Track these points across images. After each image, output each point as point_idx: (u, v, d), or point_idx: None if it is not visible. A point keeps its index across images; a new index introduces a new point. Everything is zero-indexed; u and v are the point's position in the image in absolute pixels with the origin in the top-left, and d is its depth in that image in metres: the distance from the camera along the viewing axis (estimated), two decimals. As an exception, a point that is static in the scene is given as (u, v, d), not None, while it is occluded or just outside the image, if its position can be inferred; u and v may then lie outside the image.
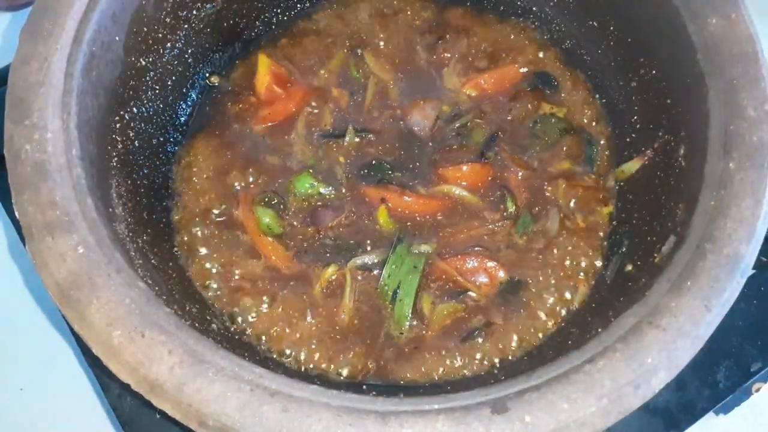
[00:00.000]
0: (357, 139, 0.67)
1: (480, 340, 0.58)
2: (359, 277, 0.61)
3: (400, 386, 0.57)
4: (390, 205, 0.63)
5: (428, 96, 0.70)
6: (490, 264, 0.61)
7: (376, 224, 0.63)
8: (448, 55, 0.72)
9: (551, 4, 0.71)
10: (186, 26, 0.66)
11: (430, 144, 0.68)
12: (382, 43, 0.73)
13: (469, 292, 0.60)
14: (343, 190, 0.65)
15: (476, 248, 0.62)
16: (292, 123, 0.68)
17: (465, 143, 0.67)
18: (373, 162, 0.66)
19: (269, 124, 0.68)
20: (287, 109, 0.69)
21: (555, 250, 0.62)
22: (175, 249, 0.62)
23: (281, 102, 0.69)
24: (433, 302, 0.60)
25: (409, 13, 0.75)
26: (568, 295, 0.60)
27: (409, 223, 0.63)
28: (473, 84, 0.70)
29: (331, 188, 0.65)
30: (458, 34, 0.73)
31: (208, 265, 0.61)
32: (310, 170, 0.65)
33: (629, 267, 0.56)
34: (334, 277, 0.61)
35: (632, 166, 0.63)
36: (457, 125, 0.68)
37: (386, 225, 0.63)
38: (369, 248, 0.62)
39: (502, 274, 0.61)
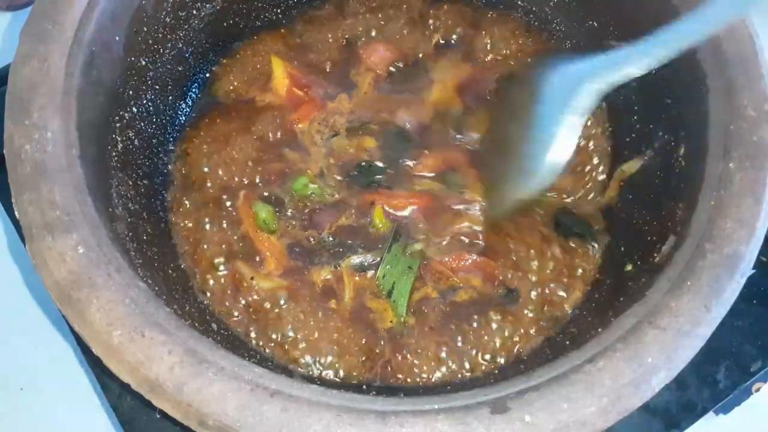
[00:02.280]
0: (349, 141, 0.67)
1: (478, 338, 0.58)
2: (356, 277, 0.61)
3: (399, 386, 0.56)
4: (383, 205, 0.64)
5: (420, 92, 0.70)
6: (490, 262, 0.61)
7: (373, 225, 0.63)
8: (446, 54, 0.72)
9: (551, 4, 0.71)
10: (186, 26, 0.66)
11: (421, 139, 0.68)
12: (380, 41, 0.73)
13: (465, 291, 0.60)
14: (337, 194, 0.65)
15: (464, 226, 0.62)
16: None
17: (453, 134, 0.68)
18: (363, 163, 0.66)
19: (302, 124, 0.68)
20: (313, 110, 0.69)
21: (552, 247, 0.62)
22: (175, 248, 0.62)
23: (307, 105, 0.69)
24: (429, 302, 0.60)
25: (405, 8, 0.75)
26: (565, 294, 0.60)
27: (405, 221, 0.63)
28: (465, 81, 0.71)
29: (327, 190, 0.65)
30: (456, 33, 0.73)
31: (207, 265, 0.61)
32: (309, 171, 0.66)
33: (629, 267, 0.56)
34: (330, 277, 0.61)
35: (632, 166, 0.63)
36: (446, 118, 0.69)
37: (383, 225, 0.63)
38: (367, 248, 0.62)
39: (497, 273, 0.61)
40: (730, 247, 0.45)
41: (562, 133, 0.51)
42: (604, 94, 0.50)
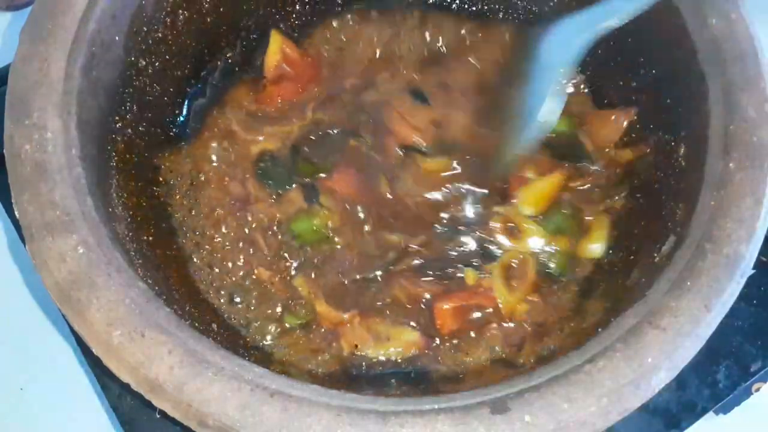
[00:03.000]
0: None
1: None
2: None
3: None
4: None
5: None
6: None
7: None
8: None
9: (551, 4, 0.71)
10: (186, 26, 0.66)
11: None
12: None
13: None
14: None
15: None
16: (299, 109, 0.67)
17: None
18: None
19: (276, 104, 0.67)
20: (295, 89, 0.68)
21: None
22: (176, 248, 0.62)
23: (290, 82, 0.68)
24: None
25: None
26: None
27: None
28: None
29: None
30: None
31: (208, 264, 0.61)
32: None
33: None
34: None
35: (626, 155, 0.63)
36: None
37: None
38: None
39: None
40: (730, 247, 0.45)
41: (554, 89, 0.54)
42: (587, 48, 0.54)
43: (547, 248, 0.61)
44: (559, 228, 0.61)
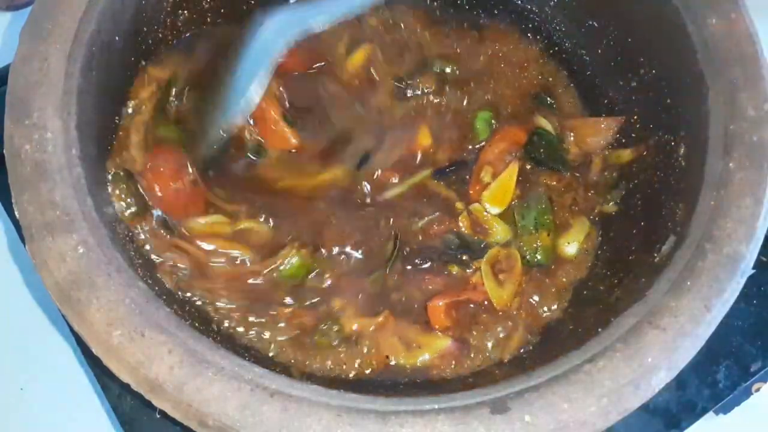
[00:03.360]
0: None
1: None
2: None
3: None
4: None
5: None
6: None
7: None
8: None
9: (551, 4, 0.71)
10: (186, 26, 0.66)
11: None
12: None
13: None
14: None
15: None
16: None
17: None
18: None
19: None
20: None
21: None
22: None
23: None
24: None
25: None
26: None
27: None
28: None
29: None
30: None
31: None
32: None
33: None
34: None
35: (625, 155, 0.63)
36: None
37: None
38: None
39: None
40: (730, 247, 0.45)
41: (261, 74, 0.59)
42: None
43: (528, 243, 0.61)
44: (538, 223, 0.61)
